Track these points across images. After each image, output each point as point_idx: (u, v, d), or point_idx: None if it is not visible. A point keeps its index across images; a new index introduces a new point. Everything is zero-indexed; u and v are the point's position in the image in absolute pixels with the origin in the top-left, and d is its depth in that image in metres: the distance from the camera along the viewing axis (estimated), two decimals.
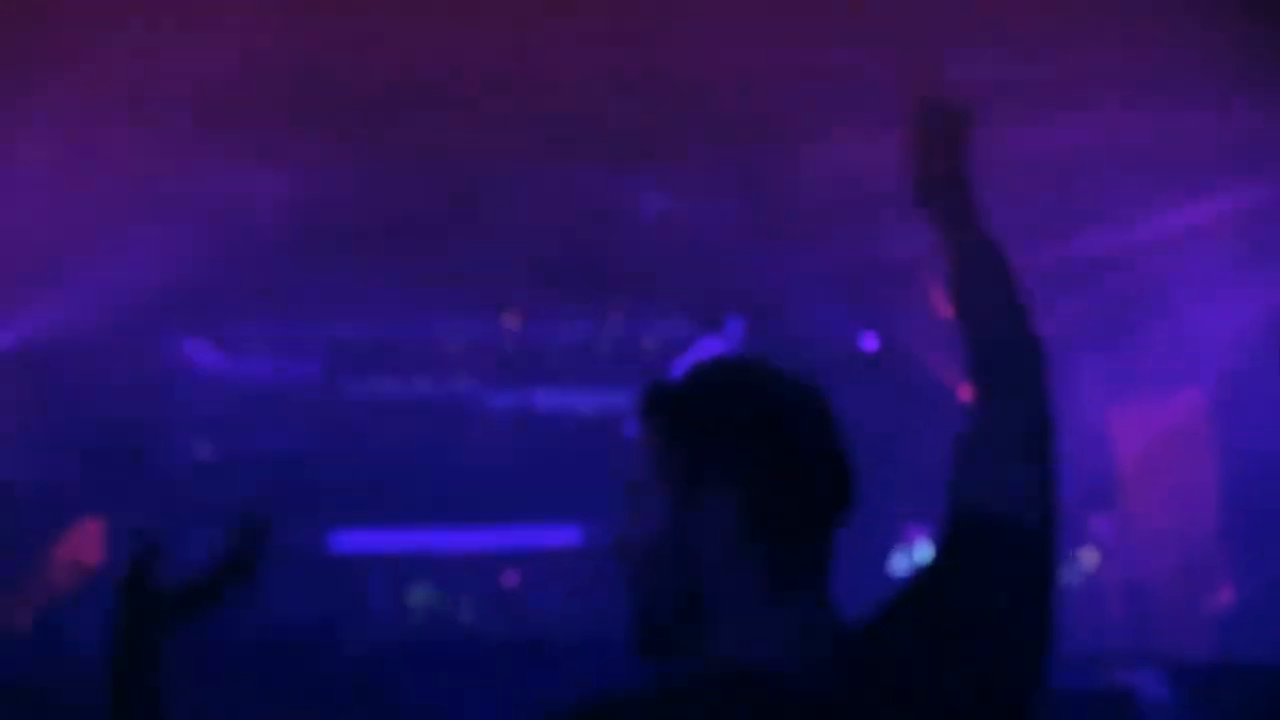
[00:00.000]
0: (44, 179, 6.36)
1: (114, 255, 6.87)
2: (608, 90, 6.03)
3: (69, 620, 7.40)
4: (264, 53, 5.54)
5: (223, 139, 6.21)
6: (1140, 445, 8.56)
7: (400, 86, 6.04)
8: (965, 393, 1.81)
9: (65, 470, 7.96)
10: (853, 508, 1.65)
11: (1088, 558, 8.99)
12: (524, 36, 5.61)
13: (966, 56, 4.45)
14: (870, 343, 9.44)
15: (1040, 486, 1.71)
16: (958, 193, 1.88)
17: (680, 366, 1.72)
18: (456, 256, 7.65)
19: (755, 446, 1.62)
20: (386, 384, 9.63)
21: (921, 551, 9.23)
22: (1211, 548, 7.83)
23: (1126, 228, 7.23)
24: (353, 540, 9.77)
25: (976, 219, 1.87)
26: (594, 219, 7.50)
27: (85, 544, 8.15)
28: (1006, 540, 1.67)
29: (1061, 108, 5.91)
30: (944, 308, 1.89)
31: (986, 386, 1.77)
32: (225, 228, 6.92)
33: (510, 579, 10.16)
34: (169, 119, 6.01)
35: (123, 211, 6.65)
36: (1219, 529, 7.81)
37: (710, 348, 9.41)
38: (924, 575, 1.71)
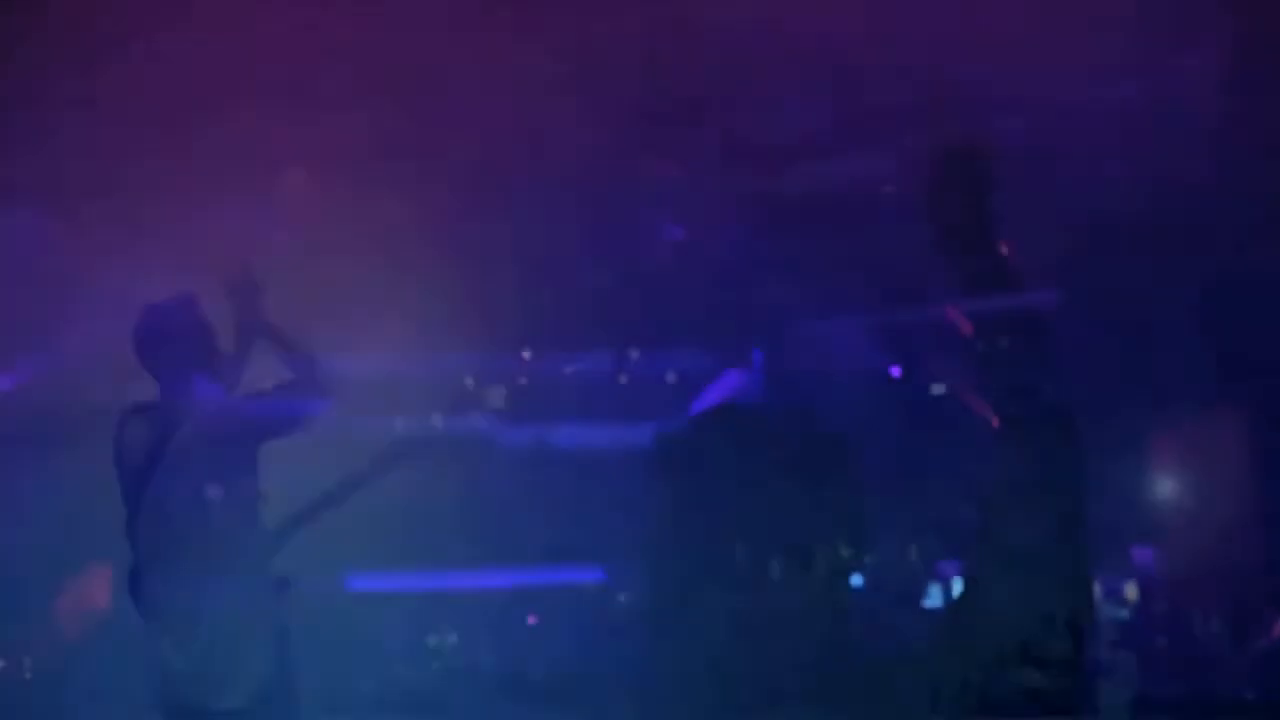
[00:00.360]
0: (44, 211, 6.32)
1: (115, 288, 6.80)
2: (626, 115, 5.98)
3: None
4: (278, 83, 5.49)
5: (233, 168, 6.17)
6: (1184, 469, 8.40)
7: (408, 117, 5.98)
8: (994, 423, 1.69)
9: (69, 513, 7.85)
10: (864, 550, 1.56)
11: (1128, 591, 8.84)
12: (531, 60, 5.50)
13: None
14: (898, 372, 9.31)
15: (1071, 520, 1.59)
16: (983, 244, 1.68)
17: (697, 404, 1.64)
18: (470, 289, 7.60)
19: (758, 496, 1.52)
20: (399, 420, 9.53)
21: (956, 586, 9.06)
22: (1260, 579, 7.67)
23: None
24: (368, 581, 9.68)
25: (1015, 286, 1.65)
26: (613, 249, 7.45)
27: (92, 591, 8.06)
28: (1037, 575, 1.56)
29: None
30: (968, 330, 1.73)
31: (1012, 425, 1.65)
32: (231, 259, 6.84)
33: (529, 618, 10.10)
34: (176, 144, 5.96)
35: (123, 242, 6.59)
36: (1269, 558, 7.65)
37: (733, 380, 9.27)
38: (956, 608, 1.58)
